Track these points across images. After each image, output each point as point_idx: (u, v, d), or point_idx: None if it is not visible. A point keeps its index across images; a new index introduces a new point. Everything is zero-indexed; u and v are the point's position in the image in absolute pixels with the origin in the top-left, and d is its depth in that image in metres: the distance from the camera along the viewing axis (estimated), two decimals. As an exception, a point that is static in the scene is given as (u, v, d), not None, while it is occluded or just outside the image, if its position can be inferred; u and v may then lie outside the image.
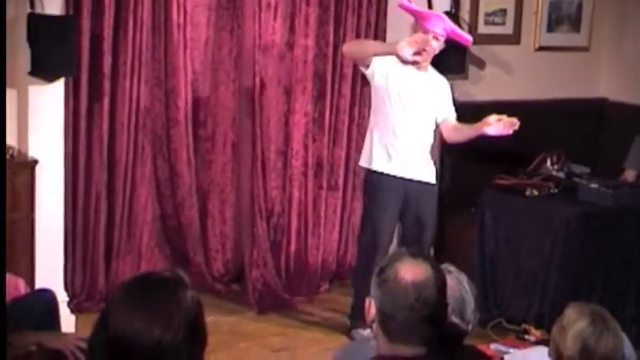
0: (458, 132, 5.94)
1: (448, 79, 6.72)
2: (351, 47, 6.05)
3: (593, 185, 6.23)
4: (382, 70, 5.81)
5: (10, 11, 5.44)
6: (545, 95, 7.29)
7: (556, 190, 6.38)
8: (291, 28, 6.55)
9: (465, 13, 6.75)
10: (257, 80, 6.43)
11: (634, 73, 7.44)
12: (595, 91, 7.63)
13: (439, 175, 6.41)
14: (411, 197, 5.94)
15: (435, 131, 6.01)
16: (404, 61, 5.77)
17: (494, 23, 7.03)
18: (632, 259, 6.15)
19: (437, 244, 6.80)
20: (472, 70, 6.91)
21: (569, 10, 7.41)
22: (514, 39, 7.15)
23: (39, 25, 5.38)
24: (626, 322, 5.60)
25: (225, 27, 6.47)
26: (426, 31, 5.79)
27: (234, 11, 6.46)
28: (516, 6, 7.08)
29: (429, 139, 5.99)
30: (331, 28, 6.65)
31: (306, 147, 6.74)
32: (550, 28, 7.32)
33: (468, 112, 6.82)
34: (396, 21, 6.83)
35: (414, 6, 5.90)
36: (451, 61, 6.61)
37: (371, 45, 6.15)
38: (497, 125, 5.70)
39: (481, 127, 5.71)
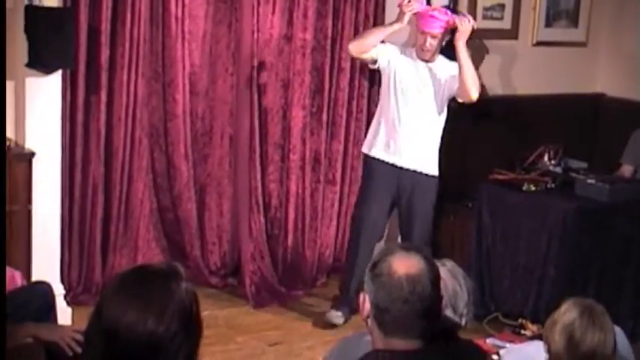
0: (460, 74, 5.95)
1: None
2: (355, 44, 6.08)
3: (590, 180, 6.24)
4: (387, 57, 6.01)
5: (8, 3, 5.43)
6: (542, 90, 7.30)
7: (553, 185, 6.39)
8: (290, 22, 6.55)
9: (463, 8, 6.76)
10: (255, 74, 6.43)
11: (631, 68, 7.45)
12: (592, 86, 7.64)
13: (438, 170, 6.43)
14: (404, 187, 6.05)
15: (443, 122, 6.11)
16: (409, 54, 6.00)
17: (492, 18, 7.03)
18: (628, 254, 6.16)
19: (434, 238, 6.82)
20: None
21: (567, 5, 7.42)
22: (512, 34, 7.15)
23: (36, 17, 5.38)
24: (622, 317, 5.63)
25: (223, 20, 6.47)
26: (422, 32, 5.92)
27: (232, 4, 6.45)
28: (514, 1, 7.09)
29: (432, 131, 6.07)
30: (330, 22, 6.64)
31: (303, 141, 6.74)
32: (548, 23, 7.33)
33: (466, 106, 6.84)
34: (395, 14, 6.82)
35: (414, 5, 5.92)
36: (449, 55, 6.62)
37: (370, 32, 6.20)
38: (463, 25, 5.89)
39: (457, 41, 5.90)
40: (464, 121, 6.83)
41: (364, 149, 6.22)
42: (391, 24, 6.07)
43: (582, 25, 7.51)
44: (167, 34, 6.27)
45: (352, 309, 6.03)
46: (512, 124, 7.05)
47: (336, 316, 6.13)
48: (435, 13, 5.92)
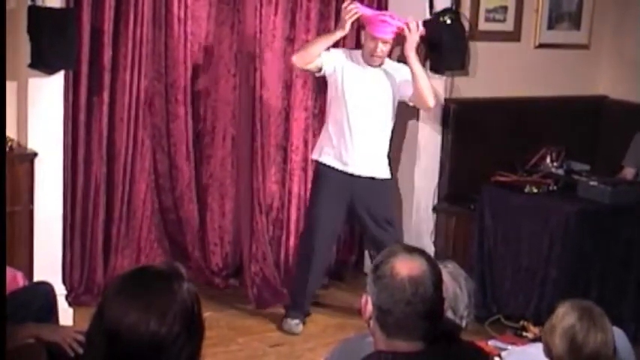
0: (414, 84, 5.95)
1: (448, 75, 6.74)
2: (299, 55, 6.01)
3: (593, 182, 6.23)
4: (332, 64, 5.95)
5: (10, 3, 5.44)
6: (545, 92, 7.28)
7: (555, 188, 6.38)
8: (292, 23, 6.55)
9: (465, 10, 6.74)
10: (257, 75, 6.43)
11: (634, 71, 7.43)
12: (595, 88, 7.63)
13: (440, 172, 6.45)
14: (359, 195, 6.04)
15: (392, 124, 6.10)
16: (356, 60, 5.95)
17: (494, 20, 7.02)
18: (630, 257, 6.15)
19: (436, 241, 6.82)
20: (472, 66, 6.90)
21: (569, 7, 7.40)
22: (514, 36, 7.14)
23: (39, 18, 5.39)
24: (624, 319, 5.63)
25: (225, 21, 6.47)
26: (373, 38, 5.87)
27: (234, 6, 6.45)
28: (517, 3, 7.07)
29: (383, 136, 6.07)
30: (332, 24, 6.64)
31: (305, 142, 6.74)
32: (550, 26, 7.32)
33: (468, 108, 6.84)
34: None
35: (363, 9, 5.90)
36: (452, 58, 6.62)
37: (314, 42, 6.12)
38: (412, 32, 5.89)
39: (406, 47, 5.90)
40: (466, 123, 6.84)
41: (314, 155, 6.15)
42: (334, 32, 6.05)
43: (585, 28, 7.49)
44: (170, 35, 6.28)
45: (306, 312, 6.10)
46: (514, 126, 7.04)
47: (295, 325, 6.06)
48: (387, 18, 5.86)
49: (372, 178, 6.03)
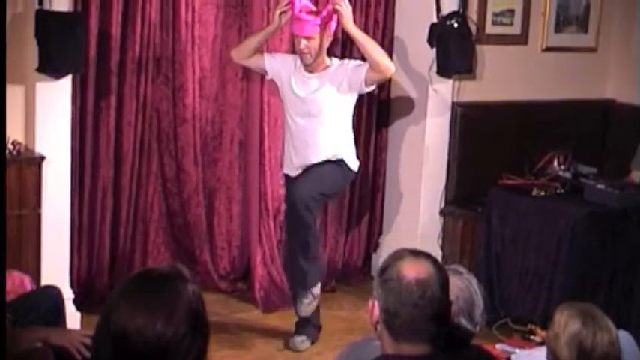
0: (365, 54, 5.76)
1: (455, 79, 6.74)
2: (235, 50, 5.95)
3: (600, 186, 6.23)
4: (275, 69, 5.83)
5: (18, 7, 5.46)
6: (552, 96, 7.28)
7: (562, 191, 6.38)
8: (299, 27, 6.55)
9: (472, 13, 6.74)
10: (264, 78, 6.43)
11: (642, 74, 7.43)
12: (602, 92, 7.62)
13: (447, 175, 6.44)
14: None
15: (350, 118, 5.87)
16: (296, 67, 5.78)
17: (501, 23, 7.02)
18: (637, 260, 6.13)
19: (443, 244, 6.82)
20: (479, 70, 6.91)
21: (576, 10, 7.40)
22: (522, 39, 7.14)
23: (47, 22, 5.40)
24: (631, 322, 5.62)
25: (233, 25, 6.48)
26: (296, 36, 5.74)
27: (242, 9, 6.46)
28: (524, 6, 7.07)
29: (338, 136, 5.82)
30: (339, 27, 6.63)
31: (312, 146, 6.73)
32: (558, 29, 7.31)
33: (475, 111, 6.84)
34: (405, 20, 6.83)
35: (296, 3, 5.70)
36: (458, 61, 6.62)
37: (248, 37, 6.03)
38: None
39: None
40: (473, 127, 6.84)
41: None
42: (267, 27, 5.89)
43: (592, 31, 7.49)
44: (177, 38, 6.29)
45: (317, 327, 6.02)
46: (521, 129, 7.04)
47: (300, 341, 5.95)
48: (302, 15, 5.67)
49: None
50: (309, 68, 5.74)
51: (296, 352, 5.85)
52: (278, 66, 5.86)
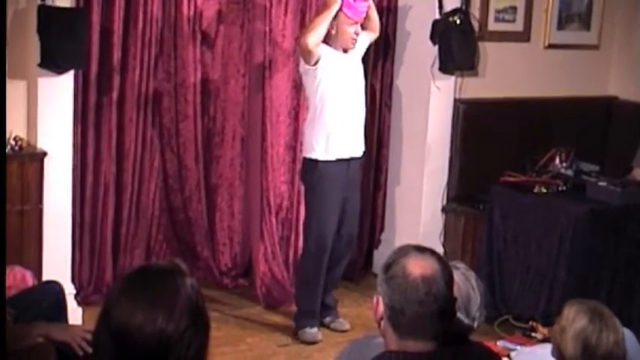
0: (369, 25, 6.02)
1: (458, 75, 6.74)
2: (312, 35, 5.68)
3: (602, 183, 6.23)
4: (323, 59, 5.79)
5: (20, 2, 5.46)
6: (554, 93, 7.27)
7: (564, 188, 6.38)
8: (302, 23, 6.53)
9: (475, 10, 6.73)
10: (266, 75, 6.43)
11: (644, 72, 7.43)
12: (605, 89, 7.61)
13: (449, 173, 6.43)
14: (350, 176, 5.94)
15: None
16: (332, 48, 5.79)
17: (504, 20, 7.01)
18: (639, 258, 6.14)
19: (445, 241, 6.82)
20: (482, 67, 6.90)
21: (579, 8, 7.39)
22: (524, 36, 7.13)
23: (49, 17, 5.40)
24: (633, 320, 5.61)
25: (235, 21, 6.47)
26: (354, 23, 5.78)
27: (244, 6, 6.46)
28: (527, 3, 7.06)
29: (363, 114, 6.04)
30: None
31: (314, 142, 6.73)
32: (560, 26, 7.30)
33: (477, 108, 6.84)
34: (407, 15, 6.82)
35: None
36: (461, 58, 6.61)
37: (319, 21, 5.76)
38: None
39: None
40: (475, 124, 6.83)
41: (315, 156, 5.83)
42: (329, 7, 5.72)
43: (594, 28, 7.48)
44: (179, 34, 6.29)
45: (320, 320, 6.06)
46: (523, 126, 7.03)
47: (314, 333, 5.97)
48: (358, 3, 5.77)
49: (358, 158, 6.00)
50: (346, 50, 5.85)
51: (305, 344, 5.88)
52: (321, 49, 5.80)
